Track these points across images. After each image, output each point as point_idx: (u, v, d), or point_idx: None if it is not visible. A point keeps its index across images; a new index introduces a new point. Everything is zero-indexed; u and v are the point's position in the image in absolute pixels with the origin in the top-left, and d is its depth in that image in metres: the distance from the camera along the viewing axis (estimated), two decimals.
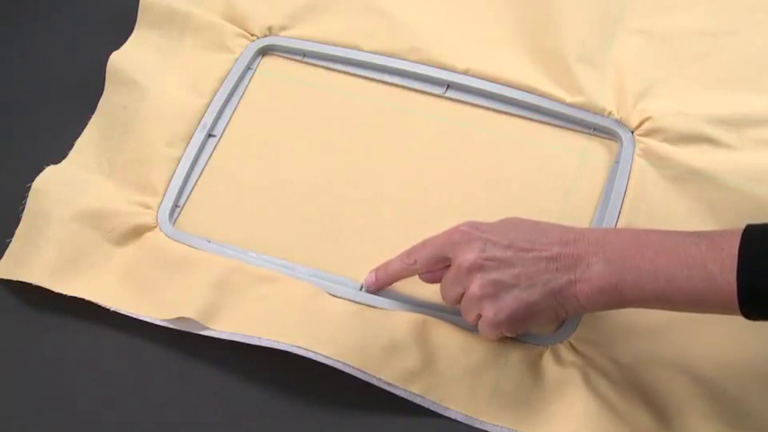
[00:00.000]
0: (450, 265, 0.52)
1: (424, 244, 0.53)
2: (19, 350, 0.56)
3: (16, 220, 0.60)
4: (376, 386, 0.52)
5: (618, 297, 0.47)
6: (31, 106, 0.67)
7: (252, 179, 0.63)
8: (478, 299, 0.50)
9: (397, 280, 0.56)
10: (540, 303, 0.49)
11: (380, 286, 0.57)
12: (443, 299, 0.53)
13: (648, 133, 0.60)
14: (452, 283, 0.51)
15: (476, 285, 0.49)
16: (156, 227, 0.60)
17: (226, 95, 0.65)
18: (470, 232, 0.51)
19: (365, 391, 0.52)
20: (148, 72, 0.66)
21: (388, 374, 0.52)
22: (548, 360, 0.53)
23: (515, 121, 0.63)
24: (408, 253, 0.54)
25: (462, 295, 0.51)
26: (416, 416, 0.52)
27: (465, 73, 0.64)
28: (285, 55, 0.68)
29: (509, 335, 0.52)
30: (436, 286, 0.54)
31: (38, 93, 0.68)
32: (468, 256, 0.50)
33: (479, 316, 0.51)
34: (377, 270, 0.56)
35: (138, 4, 0.69)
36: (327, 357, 0.52)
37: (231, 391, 0.54)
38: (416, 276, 0.56)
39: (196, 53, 0.67)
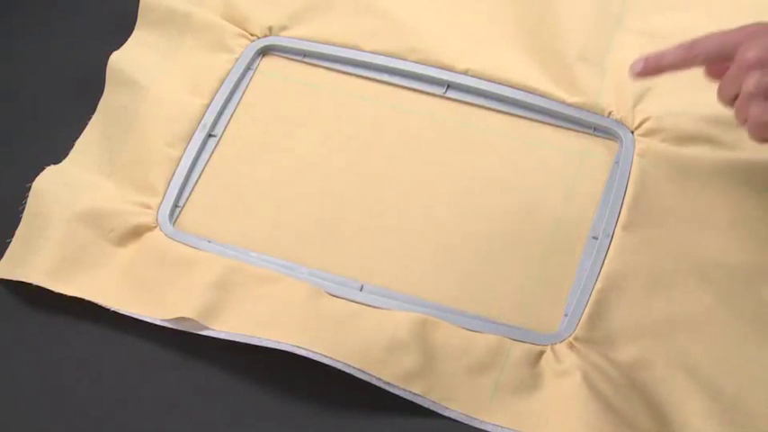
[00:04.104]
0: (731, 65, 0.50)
1: (709, 37, 0.51)
2: (19, 350, 0.56)
3: (16, 220, 0.60)
4: (376, 386, 0.52)
5: None
6: (31, 106, 0.67)
7: (252, 179, 0.63)
8: (749, 96, 0.48)
9: (668, 71, 0.54)
10: None
11: (648, 74, 0.54)
12: (718, 96, 0.51)
13: (648, 133, 0.60)
14: (732, 79, 0.50)
15: (750, 83, 0.48)
16: (156, 227, 0.60)
17: (226, 95, 0.65)
18: (760, 30, 0.49)
19: (365, 391, 0.52)
20: (149, 72, 0.66)
21: (389, 374, 0.52)
22: (548, 360, 0.53)
23: (515, 121, 0.63)
24: (690, 46, 0.52)
25: (738, 96, 0.49)
26: (416, 416, 0.52)
27: (465, 73, 0.64)
28: (285, 55, 0.68)
29: None
30: (436, 285, 0.54)
31: (38, 93, 0.68)
32: (750, 53, 0.48)
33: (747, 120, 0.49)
34: (647, 58, 0.54)
35: (138, 4, 0.69)
36: (327, 357, 0.52)
37: (231, 391, 0.54)
38: (416, 274, 0.56)
39: (196, 53, 0.67)
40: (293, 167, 0.63)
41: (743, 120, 0.50)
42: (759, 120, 0.48)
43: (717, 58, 0.51)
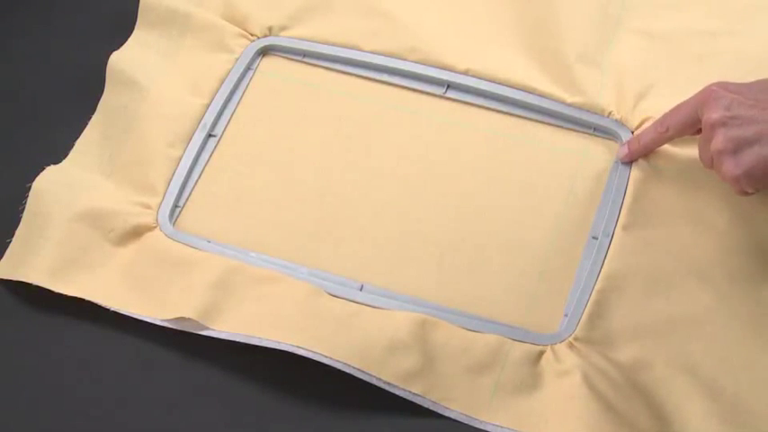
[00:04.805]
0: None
1: (674, 110, 0.55)
2: (19, 350, 0.56)
3: (16, 220, 0.60)
4: (376, 386, 0.52)
5: None
6: (31, 106, 0.67)
7: (252, 179, 0.63)
8: (719, 154, 0.50)
9: (651, 150, 0.58)
10: None
11: (634, 158, 0.59)
12: (701, 162, 0.54)
13: None
14: (704, 142, 0.52)
15: (717, 141, 0.50)
16: (156, 227, 0.60)
17: (226, 95, 0.65)
18: (718, 92, 0.52)
19: (365, 391, 0.52)
20: (149, 72, 0.66)
21: (388, 374, 0.52)
22: (548, 360, 0.53)
23: (515, 121, 0.63)
24: (660, 121, 0.56)
25: None
26: (416, 416, 0.52)
27: (465, 73, 0.64)
28: (285, 55, 0.68)
29: (751, 191, 0.51)
30: (436, 285, 0.54)
31: (38, 93, 0.68)
32: (713, 114, 0.51)
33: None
34: (629, 142, 0.59)
35: (138, 4, 0.69)
36: (328, 357, 0.52)
37: (231, 391, 0.54)
38: (416, 275, 0.56)
39: (196, 53, 0.67)
40: (293, 167, 0.63)
41: (722, 177, 0.52)
42: (732, 175, 0.50)
43: (686, 127, 0.54)
